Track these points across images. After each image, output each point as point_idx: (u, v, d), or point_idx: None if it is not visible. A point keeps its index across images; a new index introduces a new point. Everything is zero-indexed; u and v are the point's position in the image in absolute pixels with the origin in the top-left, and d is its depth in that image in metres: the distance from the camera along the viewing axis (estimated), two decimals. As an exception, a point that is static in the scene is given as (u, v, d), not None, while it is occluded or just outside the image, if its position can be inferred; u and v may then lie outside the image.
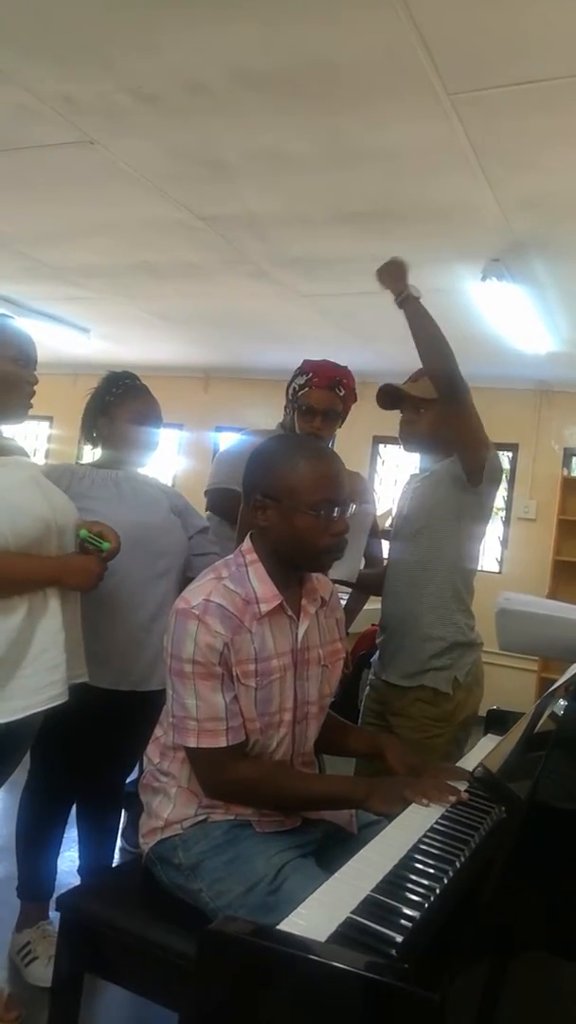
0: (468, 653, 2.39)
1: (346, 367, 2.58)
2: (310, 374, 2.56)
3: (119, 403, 2.36)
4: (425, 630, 2.36)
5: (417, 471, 2.58)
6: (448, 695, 2.33)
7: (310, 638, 1.76)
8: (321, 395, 2.55)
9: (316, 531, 1.65)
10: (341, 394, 2.56)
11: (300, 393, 2.56)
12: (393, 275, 2.28)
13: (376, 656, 2.56)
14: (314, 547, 1.67)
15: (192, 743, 1.59)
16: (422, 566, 2.40)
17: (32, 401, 1.98)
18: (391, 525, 2.57)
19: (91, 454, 2.52)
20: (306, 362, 2.62)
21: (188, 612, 1.60)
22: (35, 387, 1.97)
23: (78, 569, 1.91)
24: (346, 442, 2.94)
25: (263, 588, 1.67)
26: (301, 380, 2.57)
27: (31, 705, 1.81)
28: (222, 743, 1.59)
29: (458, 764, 1.92)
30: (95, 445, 2.43)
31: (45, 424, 8.15)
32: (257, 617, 1.65)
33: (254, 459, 1.75)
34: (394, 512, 2.66)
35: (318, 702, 1.80)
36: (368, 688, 2.58)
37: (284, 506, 1.65)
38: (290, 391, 2.62)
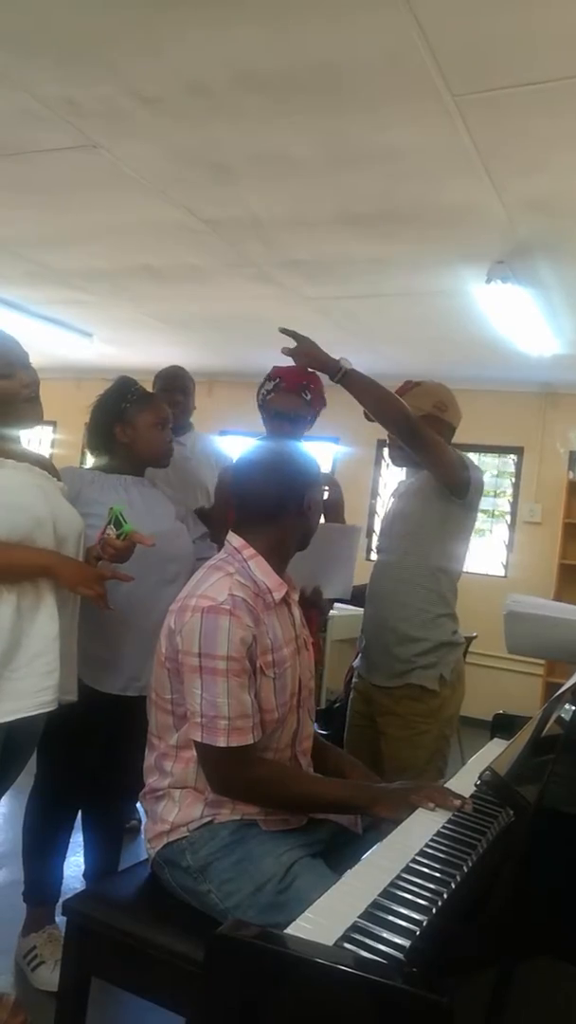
0: (452, 652, 2.45)
1: (314, 372, 2.55)
2: (278, 379, 2.57)
3: (137, 410, 2.35)
4: (410, 632, 2.41)
5: (404, 478, 2.62)
6: (435, 692, 2.39)
7: (299, 624, 1.86)
8: (288, 400, 2.54)
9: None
10: (308, 398, 2.54)
11: (268, 398, 2.56)
12: (311, 355, 2.31)
13: (359, 659, 2.59)
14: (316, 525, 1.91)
15: (223, 742, 1.59)
16: (406, 570, 2.45)
17: (38, 395, 1.94)
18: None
19: (96, 461, 2.50)
20: (275, 368, 2.63)
21: (218, 608, 1.61)
22: (34, 384, 1.92)
23: (70, 564, 1.88)
24: (351, 445, 2.93)
25: (270, 579, 1.74)
26: (269, 386, 2.58)
27: (20, 709, 1.79)
28: (249, 740, 1.61)
29: (464, 768, 1.94)
30: (108, 453, 2.41)
31: (49, 429, 8.15)
32: (269, 608, 1.71)
33: (286, 473, 1.82)
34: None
35: (308, 684, 1.87)
36: (352, 691, 2.61)
37: (317, 500, 1.87)
38: (259, 397, 2.62)
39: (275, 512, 1.78)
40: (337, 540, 2.54)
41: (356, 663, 2.63)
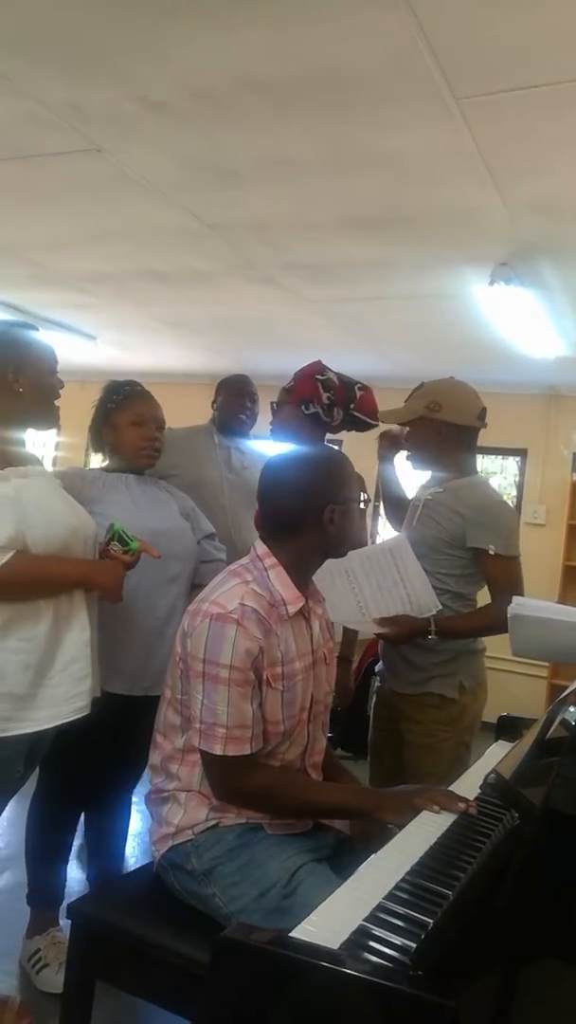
0: (472, 660, 2.46)
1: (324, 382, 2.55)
2: (292, 385, 2.58)
3: (118, 410, 2.39)
4: (428, 641, 2.38)
5: (428, 483, 2.59)
6: (455, 700, 2.39)
7: (318, 638, 1.81)
8: (286, 411, 2.56)
9: (359, 518, 1.83)
10: (308, 412, 2.51)
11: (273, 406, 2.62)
12: (404, 629, 2.33)
13: (380, 665, 2.60)
14: (358, 534, 1.87)
15: (219, 750, 1.59)
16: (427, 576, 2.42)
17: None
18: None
19: (100, 462, 2.53)
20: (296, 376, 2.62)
21: (226, 616, 1.60)
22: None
23: (105, 570, 1.92)
24: (353, 447, 2.94)
25: (287, 591, 1.71)
26: (283, 395, 2.61)
27: (57, 716, 1.82)
28: (246, 751, 1.60)
29: (469, 771, 1.93)
30: (104, 456, 2.45)
31: (52, 431, 8.15)
32: (283, 620, 1.68)
33: (308, 484, 1.76)
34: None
35: (323, 700, 1.84)
36: (375, 697, 2.62)
37: (349, 507, 1.76)
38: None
39: (295, 524, 1.74)
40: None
41: (378, 668, 2.64)
